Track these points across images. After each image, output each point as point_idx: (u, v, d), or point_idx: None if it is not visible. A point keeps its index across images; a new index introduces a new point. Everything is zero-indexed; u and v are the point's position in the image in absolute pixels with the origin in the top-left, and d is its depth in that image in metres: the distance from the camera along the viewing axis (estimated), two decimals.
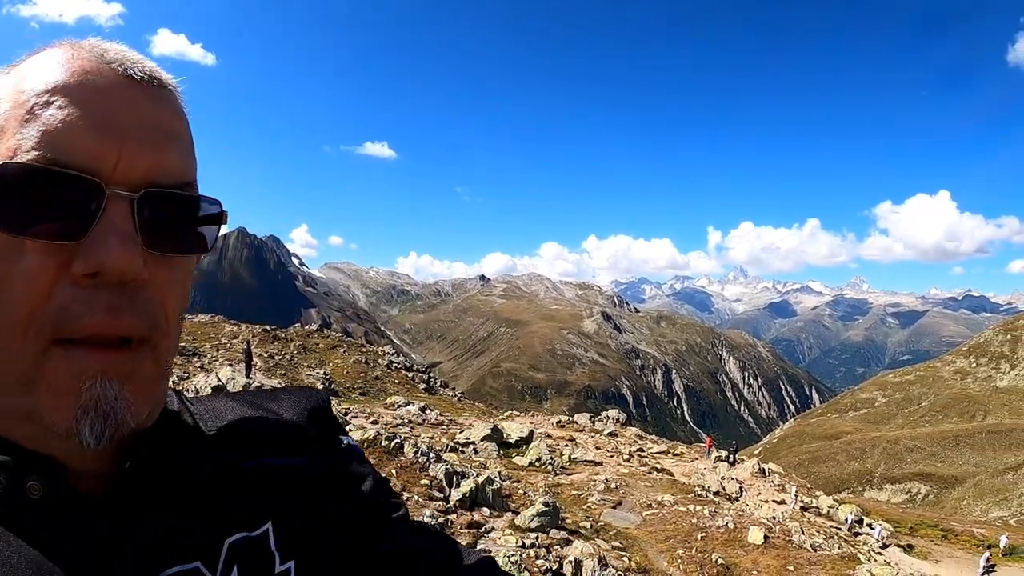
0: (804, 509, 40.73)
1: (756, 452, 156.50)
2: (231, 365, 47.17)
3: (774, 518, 29.25)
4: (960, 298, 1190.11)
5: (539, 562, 16.14)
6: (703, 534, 24.48)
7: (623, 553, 21.06)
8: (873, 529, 42.41)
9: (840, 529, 38.06)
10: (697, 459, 50.09)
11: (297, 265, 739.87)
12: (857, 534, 39.68)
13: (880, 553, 31.40)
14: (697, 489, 35.55)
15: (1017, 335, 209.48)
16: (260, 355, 59.79)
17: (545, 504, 19.93)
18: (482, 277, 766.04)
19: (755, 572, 21.22)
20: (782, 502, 40.73)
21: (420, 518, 16.41)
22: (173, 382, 28.46)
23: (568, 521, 22.43)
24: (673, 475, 40.88)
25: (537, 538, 18.14)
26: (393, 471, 20.13)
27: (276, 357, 62.34)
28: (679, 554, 22.48)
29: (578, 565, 16.23)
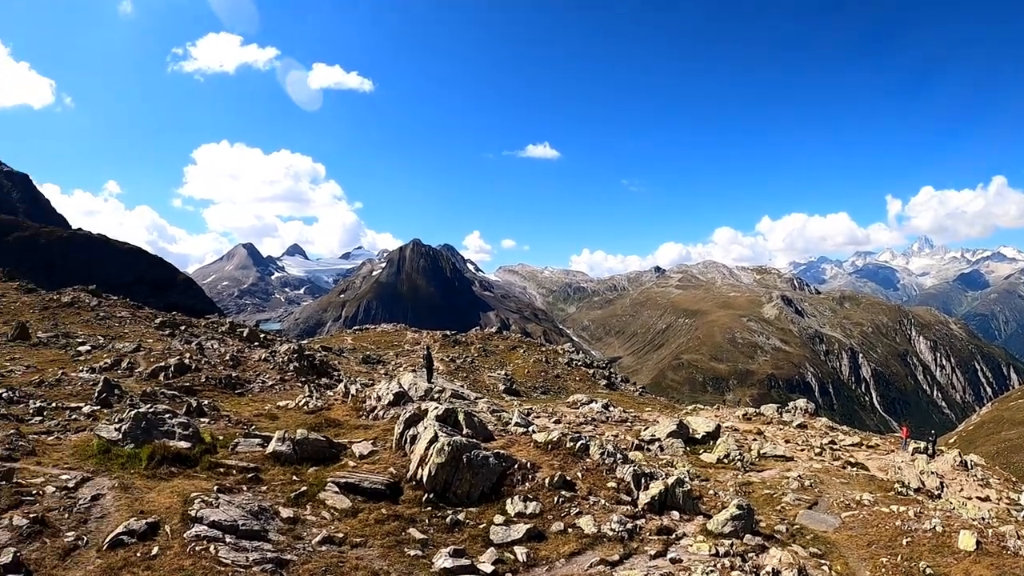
0: (1010, 506, 37.67)
1: (951, 441, 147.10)
2: (414, 371, 48.16)
3: (982, 518, 26.99)
4: None
5: (735, 573, 15.33)
6: (908, 539, 22.69)
7: (822, 561, 19.80)
8: None
9: None
10: (892, 451, 47.30)
11: (473, 271, 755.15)
12: None
13: None
14: (896, 486, 33.38)
15: None
16: (441, 359, 60.91)
17: (739, 507, 19.02)
18: (657, 268, 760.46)
19: None
20: (987, 499, 37.77)
21: (607, 523, 15.97)
22: (357, 389, 29.03)
23: (762, 524, 21.39)
24: (869, 470, 38.70)
25: (731, 545, 17.29)
26: (579, 473, 19.74)
27: (457, 361, 63.35)
28: (883, 562, 20.88)
29: None
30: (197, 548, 12.25)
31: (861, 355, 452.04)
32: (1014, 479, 52.94)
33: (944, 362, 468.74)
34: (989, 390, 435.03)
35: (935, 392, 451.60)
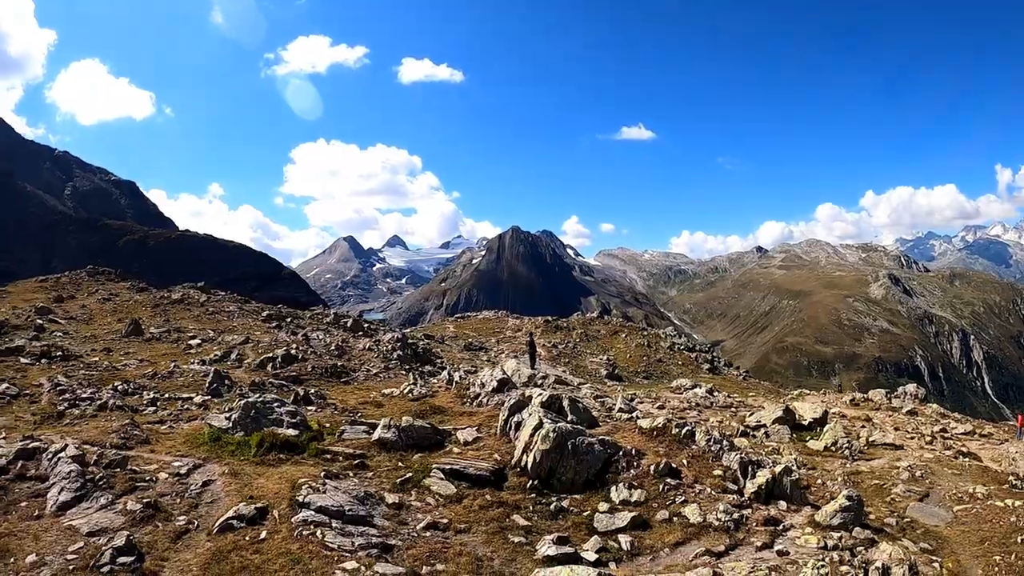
0: None
1: None
2: (516, 357, 48.29)
3: None
4: None
5: (843, 568, 14.84)
6: (1023, 536, 21.74)
7: (933, 558, 19.07)
8: None
9: None
10: (1007, 441, 45.40)
11: (572, 256, 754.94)
12: None
13: None
14: (1011, 479, 31.96)
15: None
16: (543, 345, 60.96)
17: (848, 498, 18.46)
18: (759, 249, 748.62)
19: None
20: None
21: (713, 512, 15.72)
22: (460, 376, 29.24)
23: (871, 517, 20.77)
24: (982, 461, 37.18)
25: (840, 538, 16.80)
26: (684, 461, 19.50)
27: (559, 346, 63.30)
28: (996, 560, 19.94)
29: (886, 572, 14.74)
30: (304, 533, 12.48)
31: (972, 337, 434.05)
32: None
33: None
34: None
35: None
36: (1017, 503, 24.94)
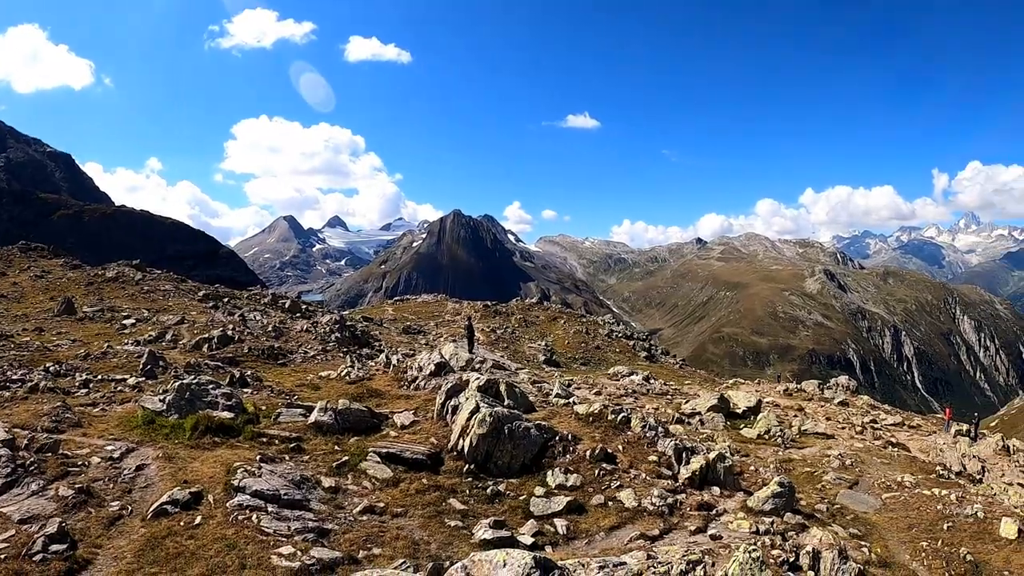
0: None
1: (993, 424, 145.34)
2: (454, 341, 48.22)
3: None
4: None
5: (775, 552, 15.18)
6: (949, 524, 22.35)
7: (862, 543, 19.59)
8: None
9: None
10: (934, 433, 46.81)
11: (513, 241, 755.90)
12: None
13: None
14: (938, 468, 32.99)
15: None
16: (482, 330, 61.02)
17: (780, 485, 18.87)
18: (698, 240, 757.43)
19: (1007, 573, 19.08)
20: None
21: (648, 497, 15.91)
22: (399, 359, 29.15)
23: (803, 503, 21.26)
24: (910, 451, 38.32)
25: (772, 523, 17.17)
26: (620, 446, 19.73)
27: (498, 331, 63.42)
28: (923, 546, 20.60)
29: (816, 557, 15.10)
30: (240, 518, 12.39)
31: (904, 333, 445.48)
32: None
33: (988, 343, 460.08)
34: None
35: (978, 373, 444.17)
36: (944, 492, 25.73)
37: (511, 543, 13.60)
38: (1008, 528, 21.40)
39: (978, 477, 35.99)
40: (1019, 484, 36.88)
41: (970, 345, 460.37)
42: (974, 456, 39.59)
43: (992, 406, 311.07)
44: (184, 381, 19.10)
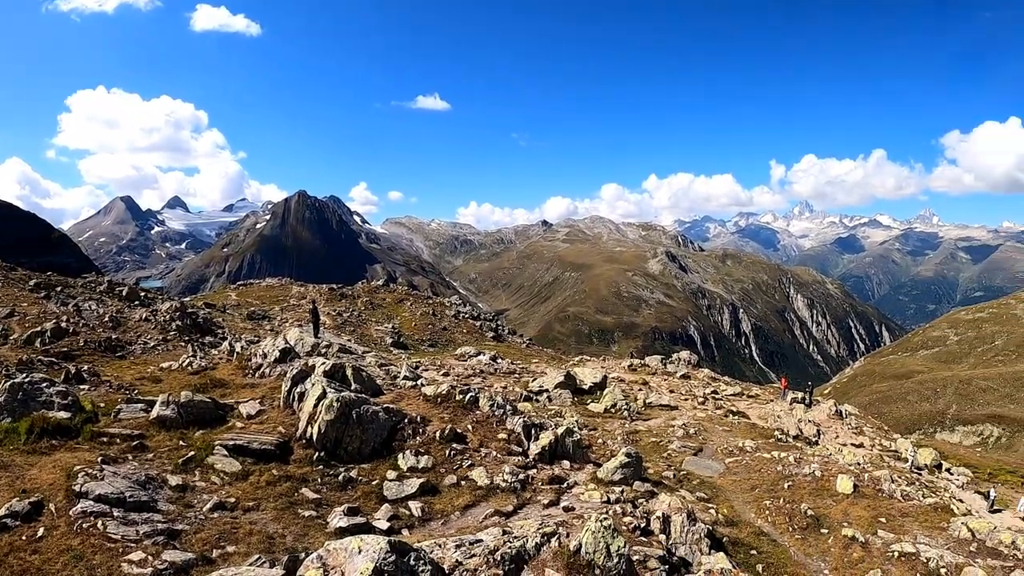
0: (882, 453, 39.87)
1: (826, 392, 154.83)
2: (300, 326, 47.52)
3: (858, 464, 28.54)
4: None
5: (627, 519, 15.78)
6: (790, 483, 23.88)
7: (709, 505, 20.61)
8: (952, 475, 41.29)
9: (920, 475, 37.09)
10: (772, 401, 49.34)
11: (359, 223, 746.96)
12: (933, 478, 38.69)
13: (961, 501, 30.44)
14: (777, 433, 34.94)
15: None
16: (328, 313, 60.24)
17: (627, 455, 19.59)
18: (544, 222, 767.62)
19: (846, 524, 20.55)
20: (860, 445, 39.87)
21: (500, 475, 16.19)
22: (242, 347, 28.53)
23: (650, 471, 22.09)
24: (750, 418, 40.30)
25: (622, 492, 17.83)
26: (469, 426, 19.98)
27: (344, 315, 62.75)
28: (766, 505, 21.95)
29: (666, 521, 15.83)
30: (85, 525, 11.81)
31: (742, 310, 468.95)
32: (885, 428, 55.98)
33: (820, 319, 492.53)
34: (862, 346, 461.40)
35: (811, 347, 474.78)
36: (782, 454, 27.39)
37: (367, 529, 13.63)
38: (844, 484, 23.11)
39: (814, 440, 38.24)
40: (852, 444, 39.54)
41: (803, 321, 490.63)
42: (810, 421, 42.05)
43: (825, 376, 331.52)
44: (16, 380, 18.14)
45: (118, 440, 16.37)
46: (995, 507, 37.51)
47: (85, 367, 26.14)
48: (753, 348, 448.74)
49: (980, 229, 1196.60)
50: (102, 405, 19.18)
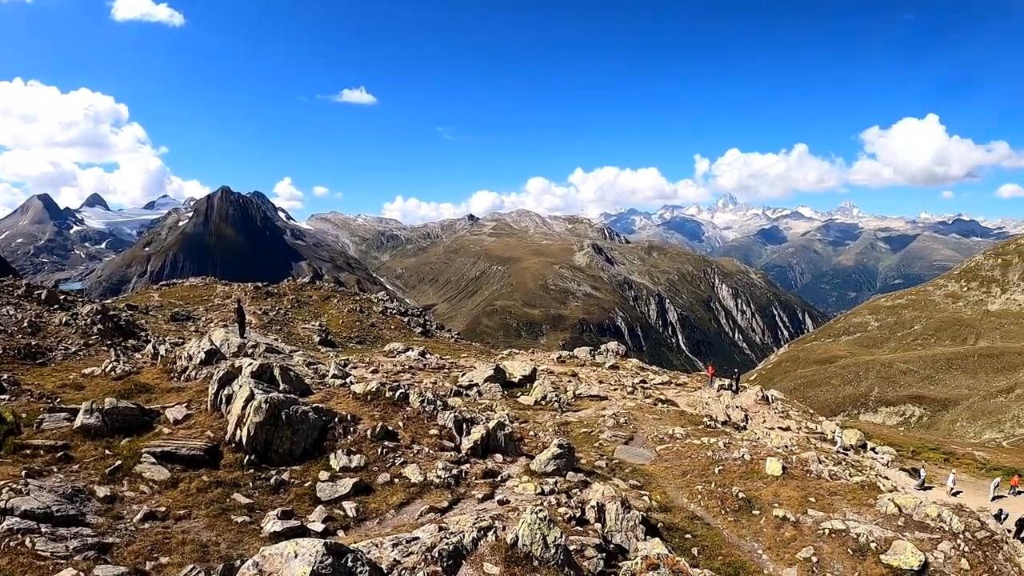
0: (809, 435, 40.92)
1: (752, 378, 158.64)
2: (225, 326, 46.82)
3: (786, 446, 29.30)
4: (950, 222, 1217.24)
5: (562, 510, 15.97)
6: (720, 467, 24.46)
7: (642, 492, 20.95)
8: (877, 454, 42.58)
9: (846, 455, 38.21)
10: (699, 388, 50.23)
11: (284, 219, 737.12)
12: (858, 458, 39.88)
13: (887, 478, 31.50)
14: (705, 420, 35.61)
15: (1008, 259, 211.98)
16: (254, 313, 59.45)
17: (560, 446, 19.79)
18: (470, 217, 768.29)
19: (776, 505, 21.16)
20: (787, 428, 40.87)
21: (433, 471, 16.23)
22: (167, 349, 28.03)
23: (583, 461, 22.33)
24: (679, 406, 40.96)
25: (556, 483, 18.02)
26: (401, 423, 19.96)
27: (270, 313, 62.00)
28: (698, 489, 22.44)
29: (601, 509, 16.07)
30: (12, 544, 11.44)
31: (668, 301, 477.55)
32: (811, 411, 57.40)
33: (745, 308, 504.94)
34: (786, 333, 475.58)
35: (737, 335, 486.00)
36: (712, 440, 27.97)
37: (302, 532, 13.57)
38: (773, 466, 23.77)
39: (742, 424, 39.10)
40: (779, 428, 40.54)
41: (728, 310, 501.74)
42: (737, 406, 42.93)
43: (751, 363, 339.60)
44: None
45: (42, 452, 15.96)
46: (926, 484, 38.82)
47: (4, 376, 25.41)
48: (680, 337, 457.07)
49: (899, 220, 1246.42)
50: (24, 415, 18.67)
